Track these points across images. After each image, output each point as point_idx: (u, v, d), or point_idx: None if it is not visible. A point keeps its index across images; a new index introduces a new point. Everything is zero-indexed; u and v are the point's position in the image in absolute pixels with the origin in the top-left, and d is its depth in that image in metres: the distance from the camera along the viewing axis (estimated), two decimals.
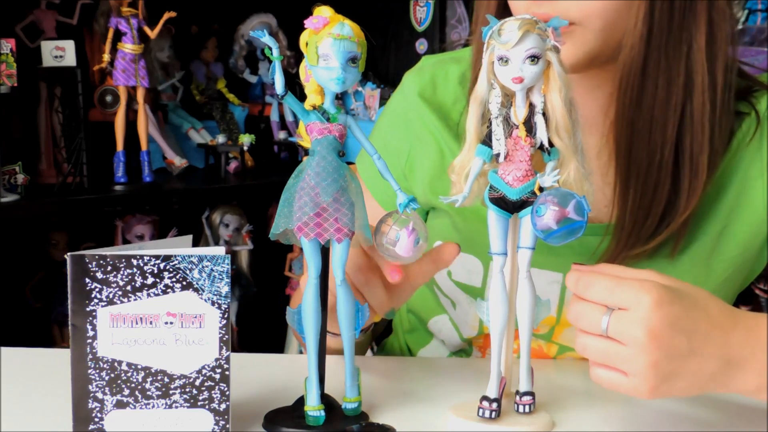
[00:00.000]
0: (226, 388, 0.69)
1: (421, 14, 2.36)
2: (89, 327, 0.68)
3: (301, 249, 0.73)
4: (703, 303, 0.72)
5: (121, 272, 0.67)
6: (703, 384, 0.72)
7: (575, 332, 0.74)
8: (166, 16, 2.07)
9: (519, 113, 0.72)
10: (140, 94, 2.08)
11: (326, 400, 0.74)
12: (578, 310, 0.73)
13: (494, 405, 0.74)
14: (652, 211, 0.90)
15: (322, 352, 0.74)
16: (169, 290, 0.68)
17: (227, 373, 0.69)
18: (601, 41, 0.87)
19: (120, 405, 0.68)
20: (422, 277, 0.80)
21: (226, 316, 0.68)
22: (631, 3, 0.86)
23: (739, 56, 0.94)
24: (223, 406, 0.69)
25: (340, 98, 0.72)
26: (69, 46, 1.98)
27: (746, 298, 1.77)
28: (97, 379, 0.68)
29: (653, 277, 0.73)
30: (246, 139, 2.33)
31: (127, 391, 0.68)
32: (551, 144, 0.71)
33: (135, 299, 0.68)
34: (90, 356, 0.68)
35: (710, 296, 0.74)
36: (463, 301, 1.02)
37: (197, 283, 0.68)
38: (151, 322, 0.68)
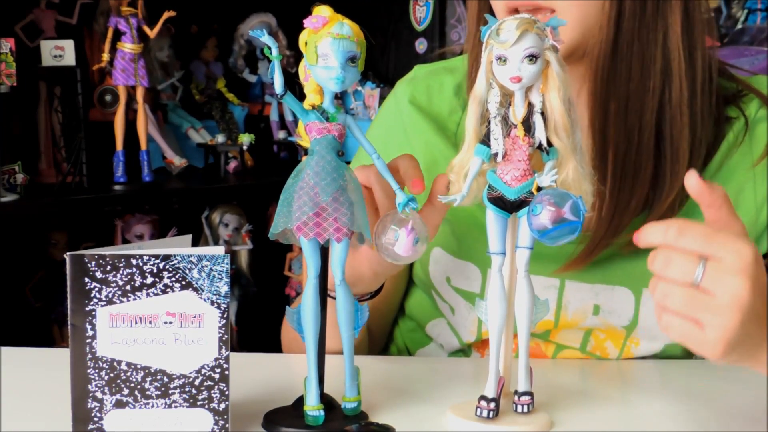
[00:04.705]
0: (225, 388, 0.69)
1: (421, 14, 2.36)
2: (89, 326, 0.68)
3: (301, 248, 0.73)
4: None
5: (121, 272, 0.67)
6: (754, 353, 0.70)
7: (655, 281, 0.70)
8: (166, 15, 2.07)
9: (517, 113, 0.72)
10: (140, 94, 2.08)
11: (326, 400, 0.74)
12: (669, 258, 0.68)
13: (492, 405, 0.74)
14: (634, 195, 0.91)
15: (321, 351, 0.74)
16: (168, 290, 0.68)
17: (227, 372, 0.69)
18: (579, 32, 0.89)
19: (119, 404, 0.68)
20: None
21: (225, 315, 0.68)
22: None
23: (738, 56, 0.96)
24: (222, 405, 0.69)
25: (340, 98, 0.73)
26: (68, 45, 1.99)
27: None
28: (97, 378, 0.68)
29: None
30: (245, 139, 2.33)
31: (126, 391, 0.68)
32: (550, 144, 0.72)
33: (134, 299, 0.68)
34: (89, 356, 0.68)
35: None
36: (462, 306, 1.02)
37: (197, 283, 0.68)
38: (150, 322, 0.68)
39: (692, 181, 0.71)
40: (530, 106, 0.72)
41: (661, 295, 0.69)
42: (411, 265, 1.07)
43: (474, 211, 0.94)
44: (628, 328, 0.99)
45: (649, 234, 0.70)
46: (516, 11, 0.87)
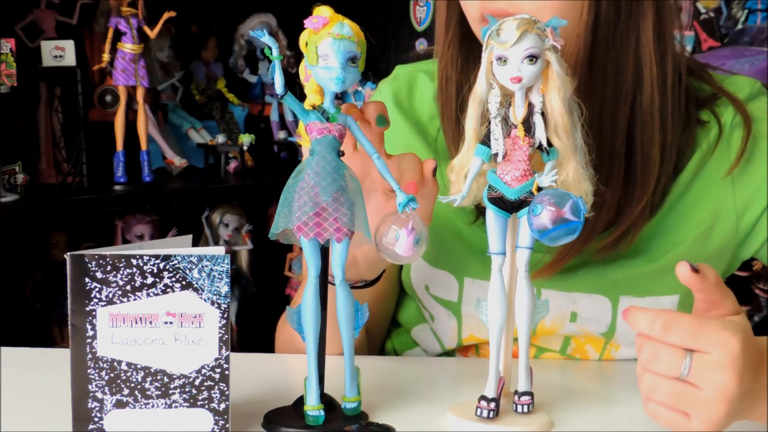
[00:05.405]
0: (225, 388, 0.69)
1: (421, 14, 2.36)
2: (89, 327, 0.68)
3: (301, 249, 0.73)
4: (759, 342, 0.71)
5: (121, 272, 0.67)
6: (746, 414, 0.71)
7: (641, 371, 0.71)
8: (166, 15, 2.07)
9: (518, 113, 0.72)
10: (140, 94, 2.08)
11: (326, 400, 0.74)
12: (655, 352, 0.69)
13: (492, 405, 0.74)
14: (606, 201, 0.90)
15: (321, 351, 0.74)
16: (168, 290, 0.68)
17: (227, 372, 0.69)
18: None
19: (119, 405, 0.69)
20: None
21: (225, 315, 0.68)
22: (582, 2, 0.87)
23: (738, 56, 0.95)
24: (222, 405, 0.69)
25: (340, 98, 0.72)
26: (69, 45, 1.98)
27: (746, 298, 1.77)
28: (97, 378, 0.68)
29: (727, 315, 0.71)
30: (246, 139, 2.33)
31: (126, 391, 0.68)
32: (550, 144, 0.72)
33: (134, 299, 0.68)
34: (89, 356, 0.68)
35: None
36: (442, 314, 1.02)
37: (197, 283, 0.68)
38: (150, 322, 0.68)
39: (683, 272, 0.71)
40: (530, 106, 0.72)
41: (648, 387, 0.70)
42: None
43: (452, 218, 0.94)
44: (606, 334, 0.99)
45: (635, 320, 0.71)
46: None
